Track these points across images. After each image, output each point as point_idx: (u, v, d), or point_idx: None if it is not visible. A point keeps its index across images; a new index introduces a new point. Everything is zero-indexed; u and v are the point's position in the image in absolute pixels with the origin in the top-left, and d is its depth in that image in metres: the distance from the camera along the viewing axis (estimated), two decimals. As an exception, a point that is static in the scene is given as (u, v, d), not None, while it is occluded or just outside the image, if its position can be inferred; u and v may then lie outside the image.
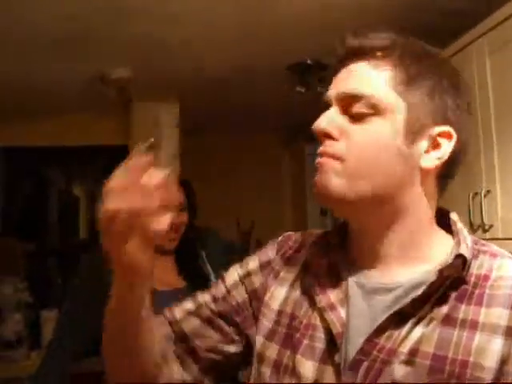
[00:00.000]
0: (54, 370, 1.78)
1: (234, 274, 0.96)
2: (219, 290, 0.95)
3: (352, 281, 0.80)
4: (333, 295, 0.80)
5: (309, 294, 0.83)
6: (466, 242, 0.77)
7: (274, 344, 0.84)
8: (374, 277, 0.79)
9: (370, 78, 0.77)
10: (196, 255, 1.93)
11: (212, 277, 1.89)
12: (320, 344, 0.78)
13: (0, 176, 3.72)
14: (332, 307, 0.78)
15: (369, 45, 0.78)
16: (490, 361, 0.67)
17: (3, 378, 3.39)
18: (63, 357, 1.78)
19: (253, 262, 0.95)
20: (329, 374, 0.75)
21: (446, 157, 0.78)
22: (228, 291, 0.94)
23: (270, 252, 0.95)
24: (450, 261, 0.73)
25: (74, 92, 3.26)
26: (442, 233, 0.83)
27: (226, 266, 1.97)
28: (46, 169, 4.35)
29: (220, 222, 2.32)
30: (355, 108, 0.76)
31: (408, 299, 0.72)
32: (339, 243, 0.86)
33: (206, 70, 3.02)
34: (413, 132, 0.76)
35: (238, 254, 2.24)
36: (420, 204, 0.79)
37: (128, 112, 3.60)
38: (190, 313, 0.94)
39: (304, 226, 4.29)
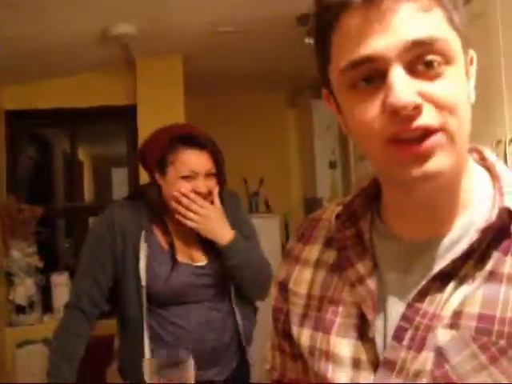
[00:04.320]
0: (72, 333, 1.76)
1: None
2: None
3: (383, 246, 0.73)
4: (361, 267, 0.73)
5: (336, 270, 0.78)
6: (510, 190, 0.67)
7: (306, 329, 0.80)
8: (408, 238, 0.72)
9: (429, 21, 0.62)
10: None
11: None
12: (354, 320, 0.73)
13: (5, 139, 3.66)
14: (361, 280, 0.72)
15: None
16: None
17: (18, 342, 3.41)
18: (80, 318, 1.76)
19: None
20: (366, 351, 0.71)
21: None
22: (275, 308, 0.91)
23: (291, 242, 0.89)
24: (493, 217, 0.64)
25: (77, 51, 3.19)
26: (478, 170, 0.73)
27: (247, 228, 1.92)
28: (50, 132, 4.30)
29: (227, 181, 2.29)
30: (428, 58, 0.61)
31: (447, 260, 0.65)
32: (367, 210, 0.78)
33: (212, 23, 2.94)
34: (469, 70, 0.68)
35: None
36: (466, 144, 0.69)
37: (133, 71, 3.53)
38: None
39: (313, 181, 4.26)
